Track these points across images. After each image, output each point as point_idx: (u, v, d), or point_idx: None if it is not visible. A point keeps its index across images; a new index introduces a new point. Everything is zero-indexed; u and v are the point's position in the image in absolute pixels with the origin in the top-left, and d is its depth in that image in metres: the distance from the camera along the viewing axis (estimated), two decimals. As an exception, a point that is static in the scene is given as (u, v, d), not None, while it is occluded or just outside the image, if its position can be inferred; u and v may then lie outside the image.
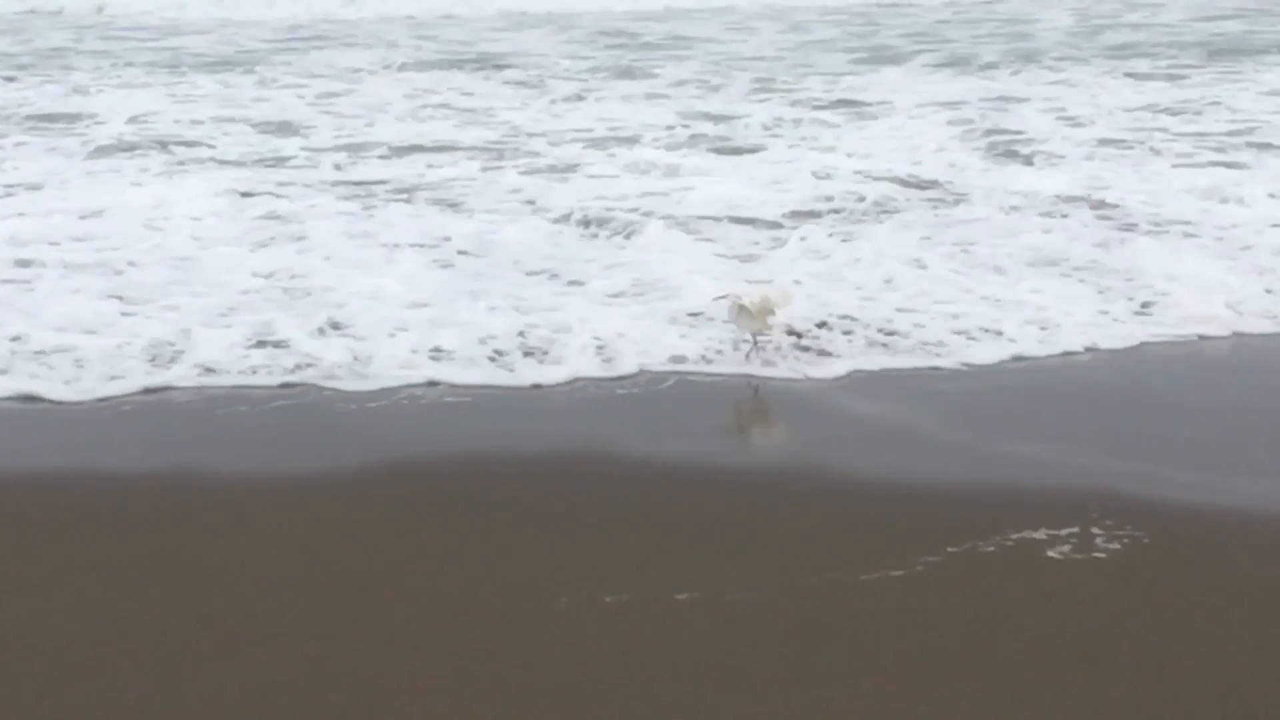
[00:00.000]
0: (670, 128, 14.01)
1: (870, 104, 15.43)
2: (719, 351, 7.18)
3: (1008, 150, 12.55)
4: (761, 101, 15.72)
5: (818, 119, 14.45)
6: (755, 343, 7.00)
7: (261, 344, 7.39)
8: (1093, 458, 5.66)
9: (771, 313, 6.87)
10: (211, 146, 13.21)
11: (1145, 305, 7.90)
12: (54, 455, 6.06)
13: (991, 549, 4.75)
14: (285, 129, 14.12)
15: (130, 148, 13.06)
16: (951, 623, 4.27)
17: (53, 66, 19.06)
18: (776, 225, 9.91)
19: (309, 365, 7.08)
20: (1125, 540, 4.79)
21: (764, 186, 11.08)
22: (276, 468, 5.76)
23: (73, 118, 14.78)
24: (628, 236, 9.56)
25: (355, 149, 13.09)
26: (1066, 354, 7.22)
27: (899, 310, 7.82)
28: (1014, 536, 4.81)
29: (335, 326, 7.63)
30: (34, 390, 6.80)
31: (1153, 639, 4.19)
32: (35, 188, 11.41)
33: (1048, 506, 5.08)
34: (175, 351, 7.27)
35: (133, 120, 14.55)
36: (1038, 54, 20.10)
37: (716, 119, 14.50)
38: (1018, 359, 7.15)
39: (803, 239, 9.40)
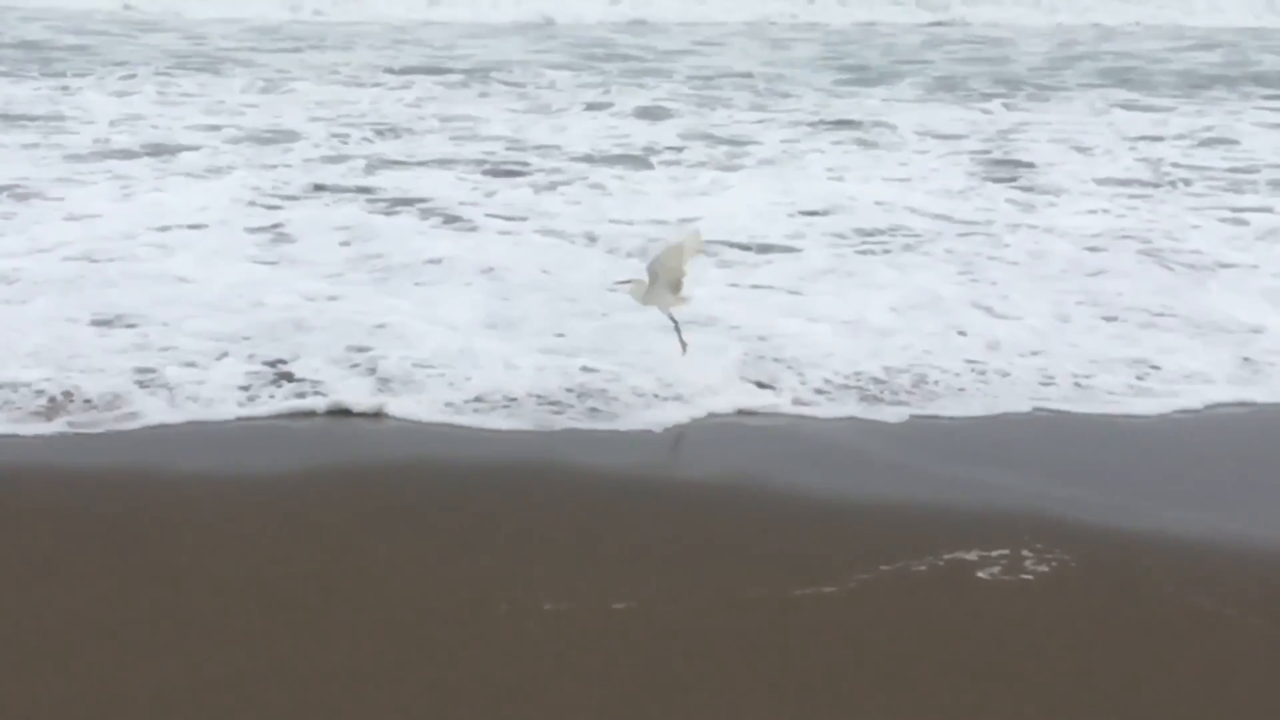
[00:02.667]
0: (675, 148, 13.26)
1: (875, 128, 14.73)
2: (798, 398, 6.54)
3: (1028, 184, 11.83)
4: (763, 122, 14.99)
5: (825, 143, 13.73)
6: (676, 322, 6.51)
7: (277, 380, 6.58)
8: (1031, 482, 5.59)
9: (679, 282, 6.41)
10: (203, 153, 12.32)
11: (1248, 360, 7.21)
12: (3, 451, 5.75)
13: (923, 568, 4.74)
14: (278, 137, 13.25)
15: (121, 153, 12.15)
16: (878, 638, 4.29)
17: (30, 62, 18.04)
18: (816, 257, 9.14)
19: (335, 411, 6.28)
20: (1053, 563, 4.78)
21: (792, 215, 10.32)
22: (228, 469, 5.61)
23: (56, 118, 13.85)
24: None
25: (352, 159, 12.26)
26: (1186, 412, 6.57)
27: (977, 359, 7.13)
28: (946, 557, 4.81)
29: (358, 364, 6.81)
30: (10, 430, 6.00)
31: (1071, 659, 4.19)
32: (17, 194, 10.51)
33: (981, 528, 5.06)
34: (166, 383, 6.49)
35: (118, 123, 13.63)
36: (1021, 80, 19.53)
37: (721, 140, 13.75)
38: (1127, 416, 6.49)
39: (850, 274, 8.67)
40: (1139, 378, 6.90)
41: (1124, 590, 4.68)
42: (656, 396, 6.45)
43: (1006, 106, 16.75)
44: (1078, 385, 6.76)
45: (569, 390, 6.51)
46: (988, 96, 17.65)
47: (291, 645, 4.19)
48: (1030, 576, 4.70)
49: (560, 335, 7.21)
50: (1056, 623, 4.43)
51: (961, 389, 6.70)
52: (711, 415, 6.31)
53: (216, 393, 6.41)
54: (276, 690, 3.94)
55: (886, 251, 9.28)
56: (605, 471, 5.69)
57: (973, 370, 6.94)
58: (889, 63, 21.81)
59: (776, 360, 6.96)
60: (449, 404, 6.34)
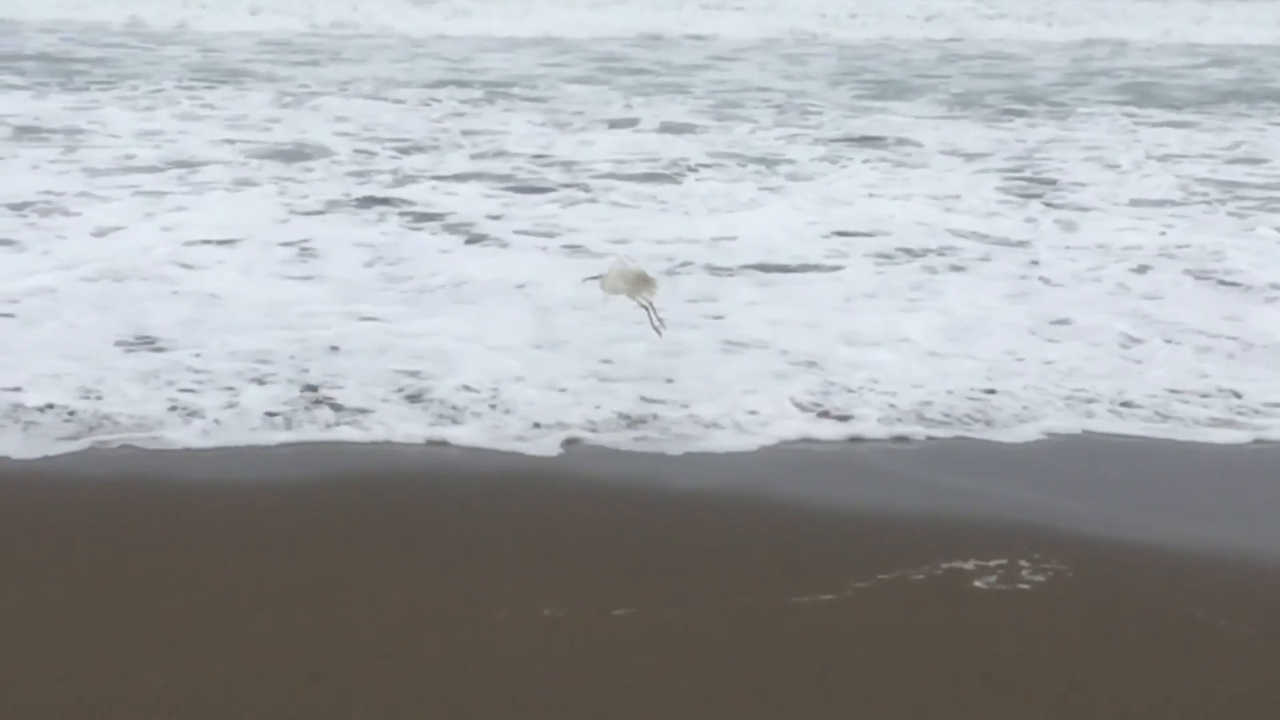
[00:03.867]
0: (704, 165, 12.95)
1: (902, 145, 14.44)
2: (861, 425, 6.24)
3: (1064, 203, 11.50)
4: (788, 139, 14.69)
5: (853, 160, 13.41)
6: (649, 309, 6.27)
7: (315, 405, 6.29)
8: (1034, 495, 5.52)
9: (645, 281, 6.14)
10: (227, 168, 12.02)
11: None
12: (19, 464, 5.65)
13: (921, 577, 4.71)
14: (302, 152, 12.95)
15: (145, 169, 11.84)
16: (873, 646, 4.28)
17: (49, 75, 17.73)
18: (862, 278, 8.84)
19: (384, 446, 5.96)
20: (1050, 573, 4.74)
21: (830, 235, 10.00)
22: (233, 476, 5.55)
23: (78, 132, 13.56)
24: (706, 288, 8.47)
25: (378, 175, 11.98)
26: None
27: (1037, 384, 6.82)
28: (944, 566, 4.77)
29: (402, 388, 6.51)
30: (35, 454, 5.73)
31: (1061, 667, 4.17)
32: (40, 209, 10.22)
33: (980, 538, 5.02)
34: (200, 409, 6.21)
35: (140, 137, 13.33)
36: (1040, 97, 19.25)
37: (748, 158, 13.43)
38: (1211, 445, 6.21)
39: (898, 295, 8.37)
40: (1227, 406, 6.60)
41: (1118, 600, 4.65)
42: (716, 425, 6.16)
43: (1030, 124, 16.44)
44: (1159, 414, 6.46)
45: (624, 417, 6.23)
46: (1010, 113, 17.37)
47: (293, 649, 4.19)
48: (1026, 586, 4.67)
49: (608, 361, 6.90)
50: (1050, 631, 4.41)
51: (1025, 415, 6.39)
52: (780, 444, 6.06)
53: (254, 420, 6.13)
54: (278, 693, 3.95)
55: (933, 272, 8.97)
56: (609, 481, 5.63)
57: (1038, 394, 6.64)
58: (907, 78, 21.55)
59: (832, 383, 6.69)
60: (497, 430, 6.03)
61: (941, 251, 9.54)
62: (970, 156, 13.86)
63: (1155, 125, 16.55)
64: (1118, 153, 14.30)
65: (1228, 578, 4.85)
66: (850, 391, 6.59)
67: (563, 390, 6.49)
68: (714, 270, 8.89)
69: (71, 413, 6.12)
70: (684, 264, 9.06)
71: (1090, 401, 6.59)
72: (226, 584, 4.59)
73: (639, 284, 6.19)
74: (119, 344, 7.13)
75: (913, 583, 4.68)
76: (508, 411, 6.23)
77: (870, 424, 6.25)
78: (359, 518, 5.19)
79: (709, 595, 4.58)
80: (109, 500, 5.32)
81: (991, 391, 6.65)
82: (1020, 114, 17.30)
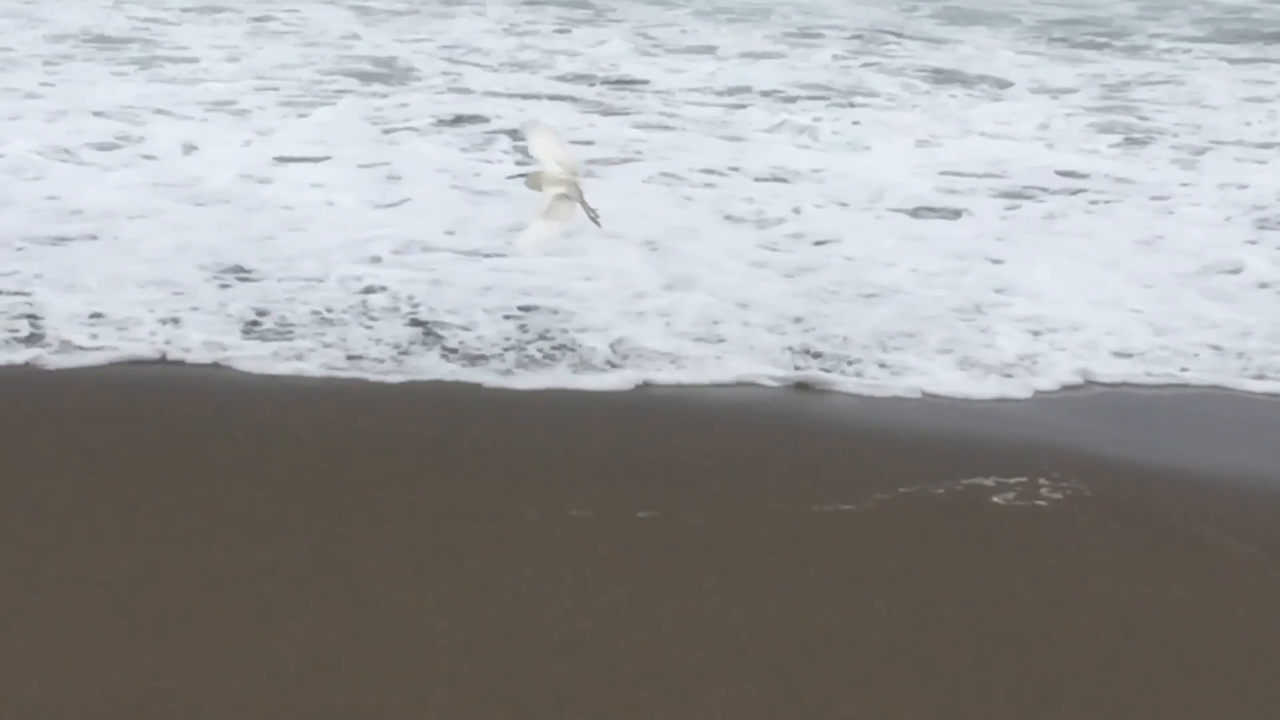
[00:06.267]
0: (796, 97, 12.05)
1: (991, 81, 13.48)
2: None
3: (1176, 144, 10.62)
4: (875, 69, 13.79)
5: (945, 95, 12.52)
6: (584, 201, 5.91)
7: (427, 343, 5.83)
8: (1063, 418, 5.46)
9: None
10: (308, 87, 11.28)
11: None
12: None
13: (941, 491, 4.69)
14: (385, 71, 12.16)
15: (224, 86, 11.12)
16: (887, 554, 4.29)
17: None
18: (989, 221, 8.12)
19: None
20: (1068, 491, 4.70)
21: (945, 174, 9.18)
22: (285, 379, 5.53)
23: (152, 44, 12.83)
24: (832, 228, 7.75)
25: (462, 96, 11.24)
26: None
27: (1217, 342, 6.26)
28: (964, 482, 4.75)
29: (525, 325, 5.96)
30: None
31: (1071, 579, 4.18)
32: (124, 119, 9.55)
33: (1001, 456, 4.99)
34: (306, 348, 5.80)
35: (218, 51, 12.60)
36: (1120, 31, 18.21)
37: (838, 90, 12.53)
38: None
39: (1032, 237, 7.70)
40: None
41: (1132, 519, 4.61)
42: (875, 383, 5.63)
43: (1115, 60, 15.48)
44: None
45: (795, 370, 5.77)
46: (1091, 47, 16.39)
47: (327, 539, 4.21)
48: (1044, 503, 4.63)
49: (744, 304, 6.29)
50: (1062, 546, 4.39)
51: (1190, 369, 5.86)
52: (925, 397, 5.66)
53: (369, 363, 5.65)
54: (310, 578, 3.98)
55: (1057, 217, 8.25)
56: (639, 390, 5.57)
57: (1215, 353, 6.06)
58: (978, 8, 20.45)
59: (992, 336, 6.18)
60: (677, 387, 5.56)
61: (1066, 193, 8.79)
62: (1060, 93, 12.98)
63: (1242, 62, 15.57)
64: (1211, 91, 13.37)
65: (1243, 502, 4.77)
66: (1008, 346, 6.05)
67: (710, 340, 6.02)
68: (827, 208, 8.14)
69: (159, 352, 5.73)
70: (777, 197, 8.39)
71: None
72: (268, 479, 4.63)
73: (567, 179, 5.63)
74: (202, 268, 6.69)
75: (932, 496, 4.63)
76: (674, 362, 5.80)
77: (1031, 379, 5.78)
78: (399, 422, 5.19)
79: (732, 501, 4.57)
80: (159, 395, 5.34)
81: (1175, 352, 6.16)
82: (1101, 47, 16.32)
